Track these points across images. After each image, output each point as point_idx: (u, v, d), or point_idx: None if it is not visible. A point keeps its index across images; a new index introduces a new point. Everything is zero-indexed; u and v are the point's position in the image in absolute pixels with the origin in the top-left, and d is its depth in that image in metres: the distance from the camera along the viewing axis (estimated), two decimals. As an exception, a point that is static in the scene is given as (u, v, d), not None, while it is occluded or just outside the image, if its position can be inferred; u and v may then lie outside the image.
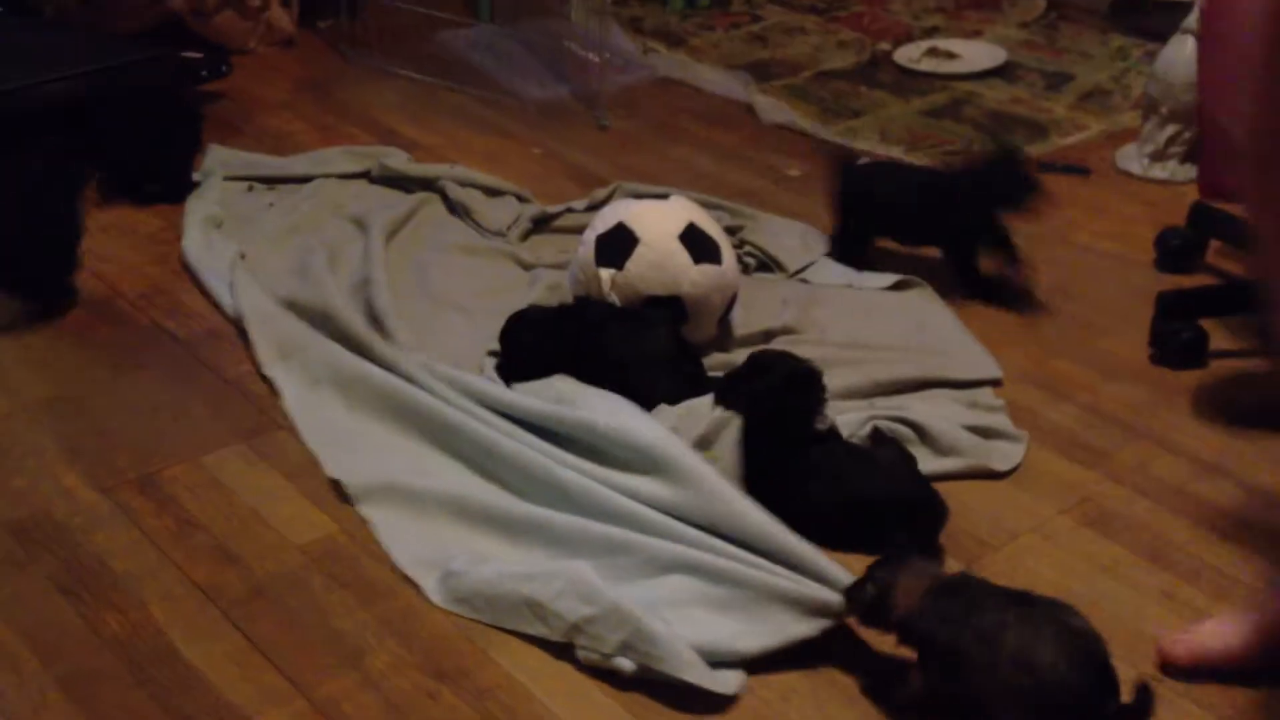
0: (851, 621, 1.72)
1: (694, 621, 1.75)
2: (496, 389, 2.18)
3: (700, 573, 1.81)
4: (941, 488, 2.00)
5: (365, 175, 3.00)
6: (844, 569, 1.78)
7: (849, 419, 2.15)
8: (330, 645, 1.75)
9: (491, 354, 2.32)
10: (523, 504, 1.99)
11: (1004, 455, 2.14)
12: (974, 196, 2.54)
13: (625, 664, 1.70)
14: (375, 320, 2.38)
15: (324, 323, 2.39)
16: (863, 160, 2.82)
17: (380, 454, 2.11)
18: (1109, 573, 1.89)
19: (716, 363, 2.34)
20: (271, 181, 2.98)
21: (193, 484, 2.06)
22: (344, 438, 2.15)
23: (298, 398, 2.24)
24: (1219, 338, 2.43)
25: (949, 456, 2.11)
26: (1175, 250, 2.70)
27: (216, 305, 2.52)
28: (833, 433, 2.04)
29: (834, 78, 3.67)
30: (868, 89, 3.60)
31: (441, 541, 1.92)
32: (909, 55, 3.74)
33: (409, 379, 2.21)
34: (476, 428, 2.09)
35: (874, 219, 2.67)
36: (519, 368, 2.25)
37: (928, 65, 3.69)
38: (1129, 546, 1.95)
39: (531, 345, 2.25)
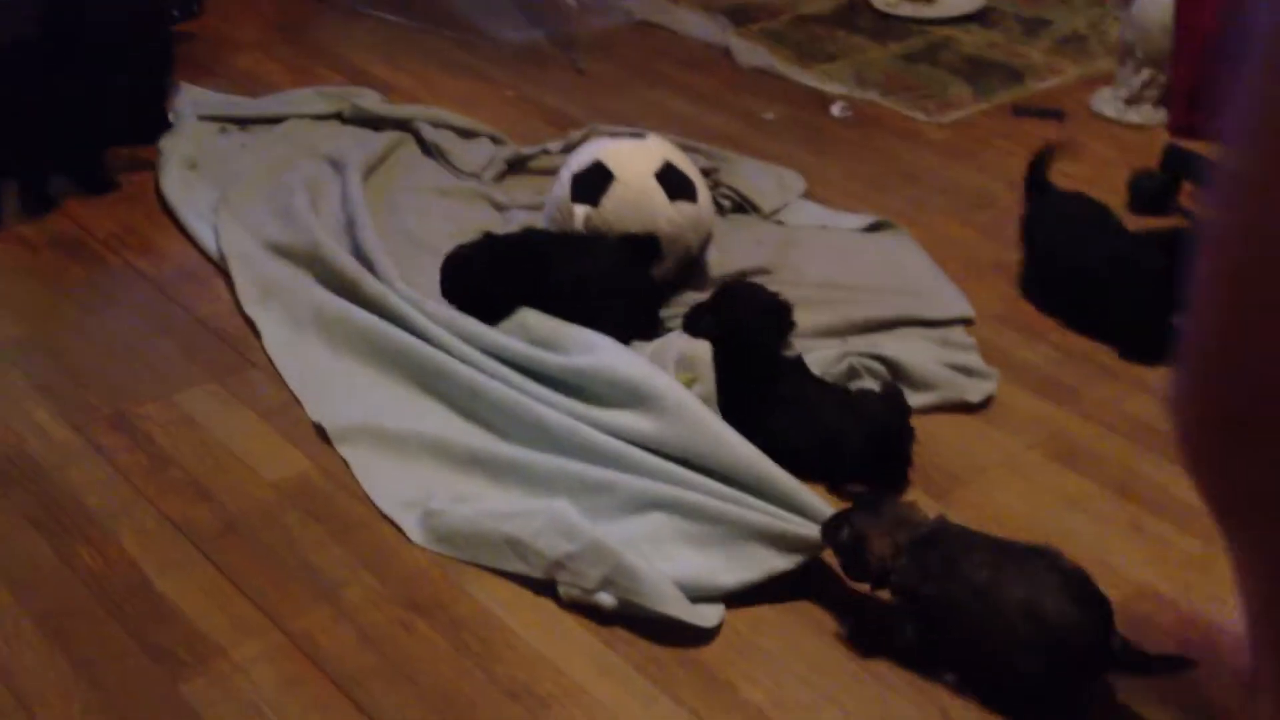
0: (828, 555, 1.74)
1: (674, 557, 1.77)
2: (481, 328, 2.17)
3: (679, 510, 1.82)
4: (913, 421, 2.01)
5: (338, 116, 2.98)
6: (824, 500, 1.80)
7: (824, 356, 2.16)
8: (304, 579, 1.76)
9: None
10: (504, 444, 2.00)
11: (977, 390, 2.15)
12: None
13: (606, 599, 1.71)
14: (363, 259, 2.36)
15: (310, 263, 2.38)
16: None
17: (362, 395, 2.11)
18: (1077, 506, 1.92)
19: (690, 302, 2.34)
20: (244, 122, 2.95)
21: (165, 421, 2.05)
22: (325, 379, 2.14)
23: (279, 338, 2.23)
24: (1190, 278, 2.44)
25: (922, 391, 2.13)
26: (1148, 192, 2.71)
27: (197, 245, 2.51)
28: (800, 366, 2.05)
29: (812, 22, 3.65)
30: (845, 33, 3.58)
31: (422, 482, 1.92)
32: (887, 0, 3.72)
33: (397, 316, 2.20)
34: (460, 369, 2.08)
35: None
36: (469, 302, 2.22)
37: (906, 10, 3.68)
38: (1097, 480, 1.97)
39: (481, 278, 2.22)
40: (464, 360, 2.11)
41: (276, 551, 1.81)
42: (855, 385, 2.09)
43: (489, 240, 2.24)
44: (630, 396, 1.97)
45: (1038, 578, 1.56)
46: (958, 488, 1.95)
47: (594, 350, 2.06)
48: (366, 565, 1.78)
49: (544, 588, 1.75)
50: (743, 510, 1.80)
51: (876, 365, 2.16)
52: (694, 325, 2.08)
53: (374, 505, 1.89)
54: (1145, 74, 3.05)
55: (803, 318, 2.28)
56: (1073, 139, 2.50)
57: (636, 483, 1.86)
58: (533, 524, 1.78)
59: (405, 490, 1.91)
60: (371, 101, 3.00)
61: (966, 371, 2.19)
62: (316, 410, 2.07)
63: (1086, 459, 2.02)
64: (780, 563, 1.75)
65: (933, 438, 2.01)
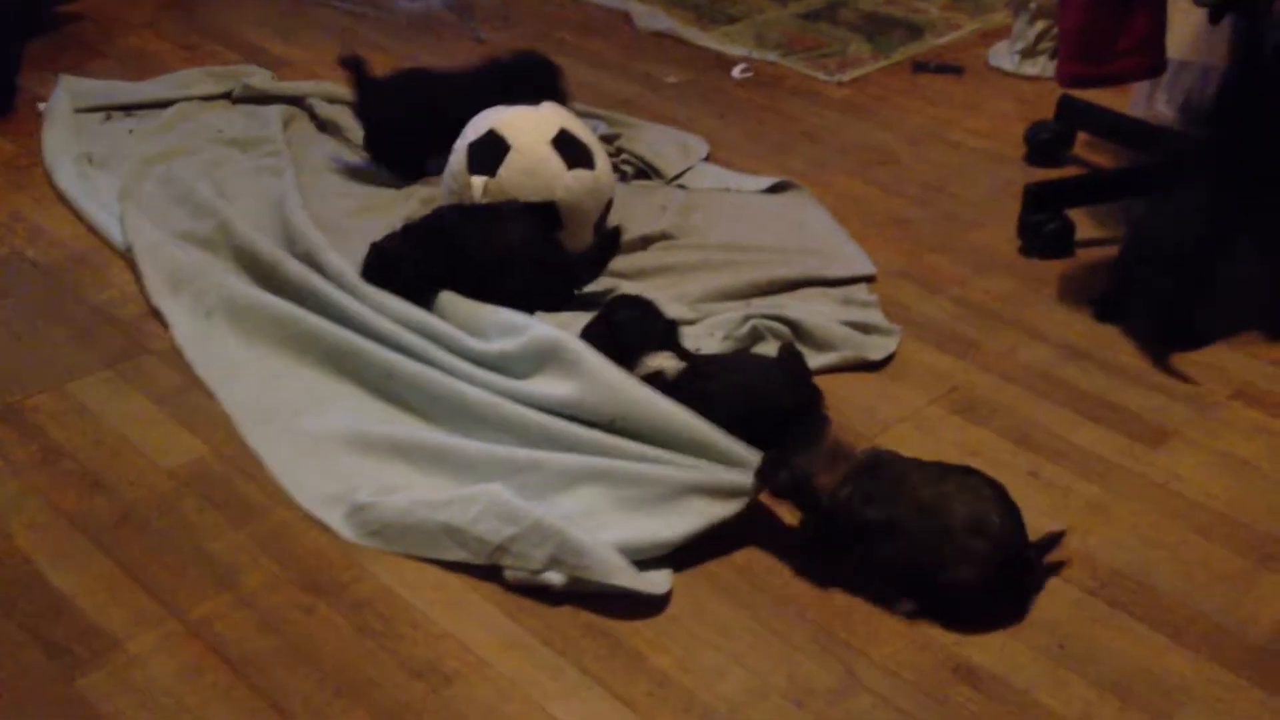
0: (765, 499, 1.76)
1: (613, 525, 1.75)
2: (408, 306, 2.12)
3: (612, 479, 1.81)
4: (817, 381, 2.02)
5: (226, 96, 2.91)
6: (749, 448, 1.81)
7: (728, 319, 2.17)
8: (202, 566, 1.73)
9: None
10: (426, 430, 1.96)
11: (878, 348, 2.16)
12: None
13: (554, 578, 1.69)
14: (291, 239, 2.31)
15: (221, 249, 2.32)
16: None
17: (275, 383, 2.06)
18: (978, 457, 1.93)
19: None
20: (128, 108, 2.87)
21: (58, 412, 2.01)
22: (237, 369, 2.09)
23: (189, 329, 2.17)
24: (1086, 227, 2.48)
25: (824, 352, 2.13)
26: (1044, 143, 2.74)
27: (102, 237, 2.43)
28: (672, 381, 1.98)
29: (711, -17, 3.63)
30: (745, -7, 3.57)
31: (344, 475, 1.87)
32: (785, -41, 3.71)
33: (320, 296, 2.15)
34: (374, 350, 2.05)
35: None
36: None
37: (804, -32, 3.67)
38: (997, 431, 1.99)
39: (404, 272, 2.17)
40: (382, 339, 2.07)
41: (173, 540, 1.78)
42: (758, 349, 2.09)
43: (408, 231, 2.20)
44: (549, 361, 1.95)
45: (980, 494, 1.65)
46: (862, 443, 1.94)
47: (513, 328, 2.04)
48: (265, 550, 1.76)
49: (448, 563, 1.74)
50: (674, 470, 1.80)
51: (779, 327, 2.16)
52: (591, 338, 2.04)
53: (272, 488, 1.86)
54: (1040, 26, 3.08)
55: (706, 281, 2.30)
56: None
57: (565, 458, 1.85)
58: (469, 510, 1.75)
59: (326, 485, 1.86)
60: (261, 80, 2.94)
61: (869, 329, 2.20)
62: (229, 400, 2.02)
63: (986, 410, 2.04)
64: (720, 510, 1.76)
65: (836, 397, 2.02)
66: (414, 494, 1.82)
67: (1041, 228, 2.41)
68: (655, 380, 1.94)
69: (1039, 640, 1.64)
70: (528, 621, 1.66)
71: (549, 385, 1.94)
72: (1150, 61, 2.19)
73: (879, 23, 3.40)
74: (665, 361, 1.99)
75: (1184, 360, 2.15)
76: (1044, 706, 1.55)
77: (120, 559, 1.74)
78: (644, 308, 2.05)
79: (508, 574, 1.71)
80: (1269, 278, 2.24)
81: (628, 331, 2.00)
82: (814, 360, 2.10)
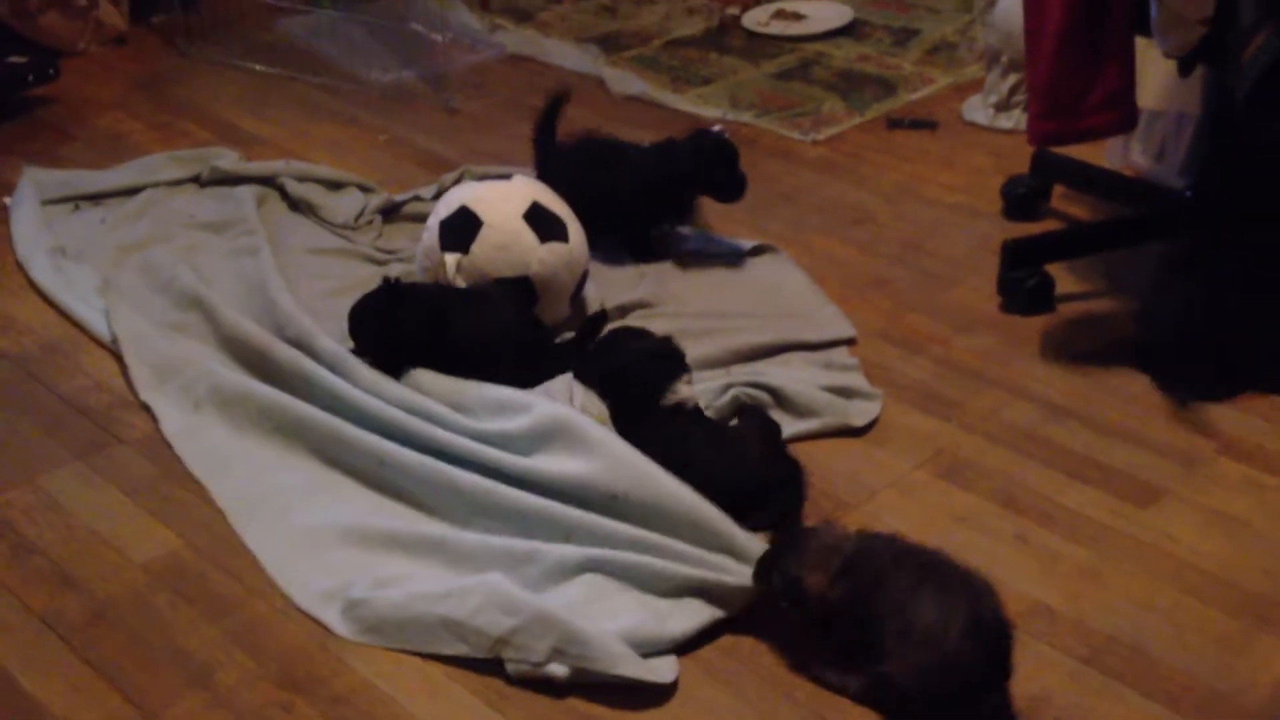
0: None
1: (617, 614, 1.71)
2: (402, 390, 2.08)
3: (609, 568, 1.77)
4: (800, 449, 2.01)
5: (195, 180, 2.86)
6: (753, 537, 1.79)
7: (707, 388, 2.14)
8: (177, 664, 1.69)
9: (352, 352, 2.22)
10: (422, 520, 1.91)
11: (861, 413, 2.14)
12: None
13: (558, 669, 1.64)
14: (278, 322, 2.27)
15: (208, 337, 2.28)
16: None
17: (266, 475, 2.01)
18: (964, 522, 1.91)
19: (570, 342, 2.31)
20: (95, 198, 2.82)
21: (28, 507, 1.97)
22: (228, 461, 2.04)
23: (177, 421, 2.12)
24: (1066, 281, 2.46)
25: (806, 418, 2.11)
26: (1020, 198, 2.73)
27: (86, 331, 2.37)
28: (694, 412, 2.00)
29: (684, 45, 3.64)
30: (718, 55, 3.58)
31: (338, 569, 1.82)
32: (757, 19, 3.72)
33: (312, 380, 2.11)
34: (364, 438, 2.00)
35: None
36: (376, 349, 2.15)
37: (776, 28, 3.68)
38: (983, 495, 1.96)
39: (378, 334, 2.16)
40: (373, 424, 2.02)
41: (147, 638, 1.74)
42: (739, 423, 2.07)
43: (389, 287, 2.16)
44: (553, 438, 1.92)
45: (951, 606, 1.56)
46: (846, 513, 1.93)
47: (512, 404, 2.01)
48: (241, 645, 1.72)
49: (427, 655, 1.70)
50: (676, 565, 1.75)
51: (761, 395, 2.14)
52: (580, 375, 2.06)
53: (248, 581, 1.82)
54: (1013, 79, 3.08)
55: (685, 350, 2.26)
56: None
57: (563, 549, 1.80)
58: (468, 602, 1.70)
59: (320, 580, 1.81)
60: (229, 161, 2.90)
61: (850, 393, 2.18)
62: (220, 495, 1.97)
63: (972, 474, 2.01)
64: (717, 611, 1.73)
65: (819, 464, 1.99)
66: (410, 587, 1.77)
67: (1021, 284, 2.40)
68: (682, 413, 1.96)
69: (1034, 715, 1.60)
70: (512, 712, 1.62)
71: (552, 461, 1.90)
72: (1121, 116, 2.18)
73: (852, 80, 3.41)
74: (684, 389, 1.99)
75: (1168, 414, 2.13)
76: (1042, 783, 1.52)
77: (92, 659, 1.70)
78: (650, 339, 2.06)
79: (510, 667, 1.66)
80: (1253, 329, 2.22)
81: (646, 371, 2.00)
82: (796, 427, 2.08)
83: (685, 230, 2.68)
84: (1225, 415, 2.12)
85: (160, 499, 1.98)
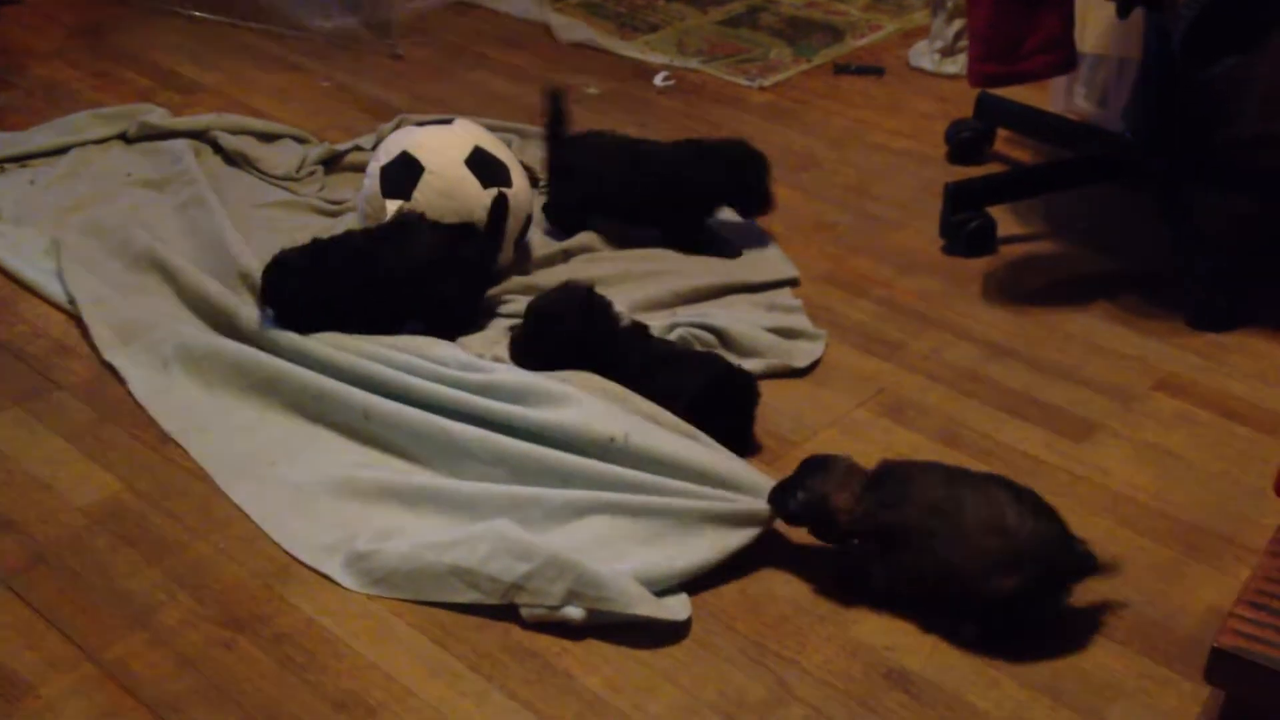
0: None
1: (624, 556, 1.70)
2: (375, 345, 2.05)
3: (616, 510, 1.76)
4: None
5: (121, 137, 2.78)
6: (759, 472, 1.80)
7: (654, 329, 2.14)
8: (117, 605, 1.69)
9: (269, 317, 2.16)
10: (414, 471, 1.89)
11: (804, 353, 2.16)
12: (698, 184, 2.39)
13: (574, 612, 1.63)
14: (243, 275, 2.23)
15: (168, 296, 2.24)
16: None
17: (245, 433, 1.97)
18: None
19: (516, 285, 2.31)
20: (19, 159, 2.72)
21: (-34, 453, 1.96)
22: (202, 421, 2.00)
23: (146, 382, 2.07)
24: (1008, 224, 2.49)
25: (750, 358, 2.12)
26: (965, 142, 2.75)
27: (42, 297, 2.30)
28: (634, 333, 2.03)
29: (631, -8, 3.62)
30: (665, 2, 3.57)
31: (336, 523, 1.80)
32: (705, -35, 3.70)
33: (278, 338, 2.07)
34: (346, 390, 1.97)
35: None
36: (294, 316, 2.12)
37: (724, -26, 3.67)
38: (924, 432, 1.99)
39: (294, 286, 2.11)
40: (351, 378, 1.99)
41: (87, 580, 1.73)
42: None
43: (312, 247, 2.13)
44: (532, 390, 1.91)
45: (993, 494, 1.59)
46: (790, 451, 1.94)
47: (475, 365, 2.00)
48: (182, 585, 1.71)
49: (373, 593, 1.70)
50: (683, 500, 1.75)
51: (706, 335, 2.15)
52: (522, 359, 2.05)
53: (186, 523, 1.81)
54: (958, 24, 3.09)
55: (630, 292, 2.27)
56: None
57: (566, 492, 1.79)
58: (478, 549, 1.68)
59: (319, 535, 1.78)
60: (159, 116, 2.81)
61: (794, 334, 2.19)
62: (199, 454, 1.94)
63: (913, 412, 2.03)
64: (734, 539, 1.71)
65: (764, 404, 2.00)
66: (416, 538, 1.75)
67: (963, 226, 2.41)
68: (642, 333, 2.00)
69: (968, 642, 1.63)
70: (455, 647, 1.63)
71: (543, 410, 1.89)
72: (1060, 59, 2.20)
73: (800, 26, 3.40)
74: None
75: (1105, 352, 2.16)
76: (976, 708, 1.54)
77: (32, 601, 1.69)
78: (581, 308, 2.05)
79: (524, 611, 1.65)
80: (1189, 269, 2.25)
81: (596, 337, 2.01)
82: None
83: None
84: (1160, 352, 2.16)
85: (100, 443, 1.97)
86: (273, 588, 1.72)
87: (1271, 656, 1.05)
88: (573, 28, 3.38)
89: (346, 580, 1.72)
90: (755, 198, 2.39)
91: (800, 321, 2.23)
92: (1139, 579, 1.72)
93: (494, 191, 2.22)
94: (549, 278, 2.30)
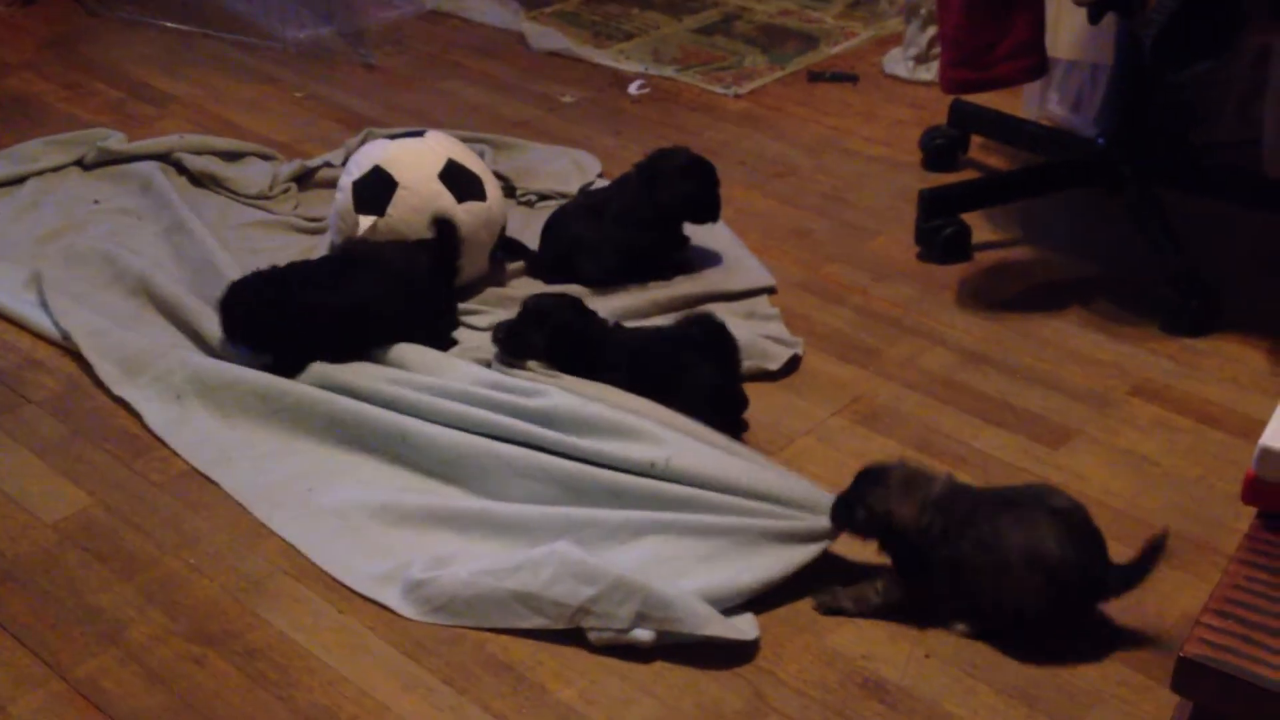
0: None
1: (688, 574, 1.67)
2: (395, 372, 2.02)
3: (676, 530, 1.73)
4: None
5: (78, 163, 2.70)
6: (811, 485, 1.78)
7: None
8: (88, 622, 1.67)
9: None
10: (456, 497, 1.85)
11: (778, 356, 2.15)
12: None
13: (643, 635, 1.60)
14: None
15: (169, 326, 2.19)
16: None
17: (272, 462, 1.93)
18: (881, 468, 1.92)
19: (493, 297, 2.30)
20: None
21: (-66, 470, 1.93)
22: (227, 451, 1.95)
23: (162, 416, 2.01)
24: (982, 230, 2.49)
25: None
26: (939, 149, 2.75)
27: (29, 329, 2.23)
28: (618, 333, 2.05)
29: (605, 0, 3.62)
30: (640, 10, 3.56)
31: (386, 551, 1.77)
32: (679, -26, 3.71)
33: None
34: (380, 414, 1.93)
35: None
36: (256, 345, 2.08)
37: (698, -17, 3.67)
38: (900, 439, 1.98)
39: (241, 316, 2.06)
40: (382, 401, 1.96)
41: (57, 596, 1.71)
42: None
43: (256, 276, 2.08)
44: (564, 417, 1.88)
45: (1032, 523, 1.58)
46: (767, 459, 1.93)
47: (507, 386, 1.98)
48: (153, 601, 1.70)
49: (346, 604, 1.69)
50: (741, 518, 1.72)
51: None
52: (512, 351, 2.05)
53: (158, 539, 1.80)
54: (932, 31, 3.09)
55: (609, 301, 2.26)
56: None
57: (623, 513, 1.76)
58: (541, 574, 1.65)
59: (370, 564, 1.75)
60: (116, 141, 2.73)
61: (772, 341, 2.18)
62: (230, 486, 1.89)
63: (889, 419, 2.03)
64: (800, 555, 1.68)
65: (738, 412, 2.00)
66: (474, 564, 1.71)
67: (938, 233, 2.41)
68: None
69: (946, 650, 1.62)
70: (428, 661, 1.62)
71: (582, 439, 1.85)
72: (1031, 64, 2.20)
73: (774, 34, 3.41)
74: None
75: (1081, 358, 2.16)
76: (953, 716, 1.54)
77: (1, 618, 1.67)
78: (573, 305, 2.07)
79: (592, 635, 1.62)
80: (1162, 274, 2.26)
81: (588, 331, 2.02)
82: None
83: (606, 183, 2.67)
84: (1136, 358, 2.16)
85: (71, 458, 1.95)
86: (244, 603, 1.70)
87: (1239, 666, 1.05)
88: (547, 36, 3.37)
89: (407, 609, 1.68)
90: (710, 205, 2.35)
91: (777, 330, 2.22)
92: (1115, 585, 1.72)
93: (444, 215, 2.19)
94: (531, 288, 2.30)
